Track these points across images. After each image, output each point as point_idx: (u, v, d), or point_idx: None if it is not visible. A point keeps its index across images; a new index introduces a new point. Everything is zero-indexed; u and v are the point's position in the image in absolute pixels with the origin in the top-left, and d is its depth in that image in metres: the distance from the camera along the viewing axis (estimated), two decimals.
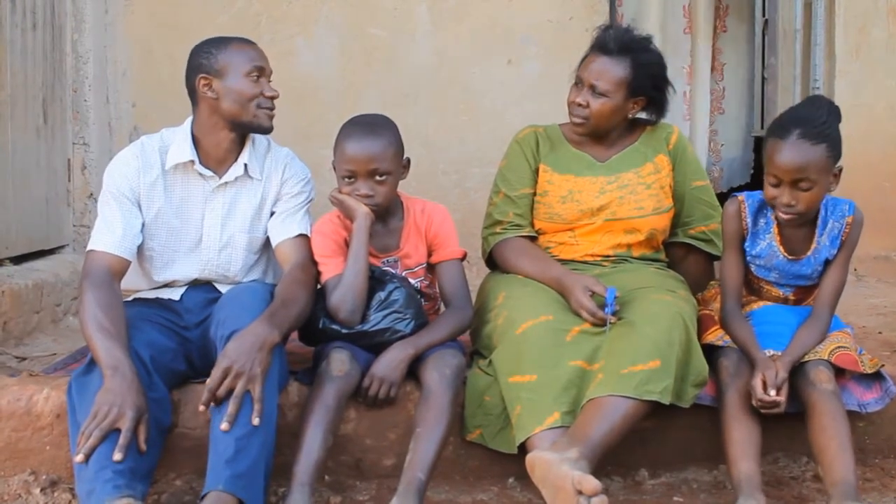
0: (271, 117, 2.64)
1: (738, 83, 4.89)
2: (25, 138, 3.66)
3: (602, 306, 2.57)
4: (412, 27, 4.50)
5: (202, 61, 2.60)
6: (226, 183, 2.65)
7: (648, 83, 2.82)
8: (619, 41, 2.79)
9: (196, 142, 2.64)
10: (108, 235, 2.55)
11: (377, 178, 2.60)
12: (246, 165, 2.65)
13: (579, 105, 2.80)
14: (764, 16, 4.93)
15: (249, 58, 2.61)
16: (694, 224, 2.95)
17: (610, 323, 2.54)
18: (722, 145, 4.91)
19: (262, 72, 2.62)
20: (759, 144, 5.01)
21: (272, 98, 2.62)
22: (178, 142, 2.64)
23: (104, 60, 4.30)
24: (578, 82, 2.82)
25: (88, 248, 2.57)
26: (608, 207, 2.84)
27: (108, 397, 2.24)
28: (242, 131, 2.64)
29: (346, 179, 2.62)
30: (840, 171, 2.53)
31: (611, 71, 2.77)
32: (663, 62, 2.89)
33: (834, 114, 2.54)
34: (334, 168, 2.68)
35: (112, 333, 2.36)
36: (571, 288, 2.62)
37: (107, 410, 2.22)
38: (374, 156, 2.59)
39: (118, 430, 2.21)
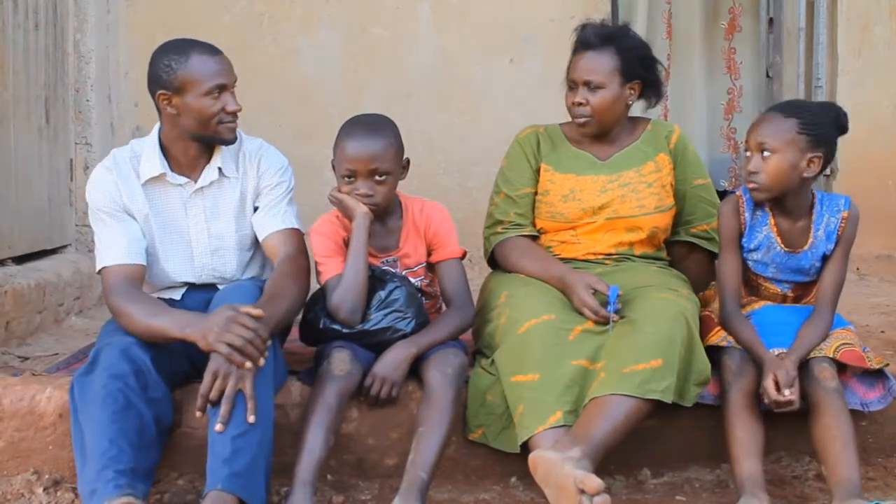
0: (233, 129, 2.59)
1: (755, 81, 4.92)
2: (28, 138, 3.67)
3: (605, 304, 2.57)
4: (414, 26, 4.51)
5: (161, 75, 2.52)
6: (202, 187, 2.63)
7: (638, 65, 2.83)
8: (598, 34, 2.80)
9: (165, 150, 2.62)
10: (114, 249, 2.53)
11: (377, 178, 2.59)
12: (220, 169, 2.63)
13: (580, 105, 2.80)
14: (769, 14, 4.93)
15: (210, 74, 2.50)
16: (696, 222, 2.95)
17: (612, 321, 2.54)
18: (741, 143, 4.93)
19: (223, 88, 2.52)
20: None
21: (234, 112, 2.55)
22: (147, 154, 2.61)
23: (106, 60, 4.31)
24: (572, 85, 2.82)
25: (98, 267, 2.55)
26: (610, 206, 2.84)
27: (211, 333, 2.29)
28: (205, 142, 2.61)
29: (346, 178, 2.61)
30: (818, 158, 2.55)
31: (600, 63, 2.78)
32: (646, 43, 2.92)
33: (829, 113, 2.59)
34: (333, 167, 2.68)
35: (160, 309, 2.42)
36: (574, 286, 2.62)
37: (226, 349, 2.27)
38: (374, 155, 2.58)
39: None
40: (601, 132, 2.87)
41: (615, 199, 2.84)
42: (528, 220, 2.90)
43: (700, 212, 2.95)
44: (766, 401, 2.44)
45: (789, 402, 2.43)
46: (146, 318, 2.39)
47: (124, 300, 2.44)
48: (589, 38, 2.80)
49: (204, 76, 2.51)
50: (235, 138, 2.62)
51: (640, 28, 4.60)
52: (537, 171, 2.91)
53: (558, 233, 2.88)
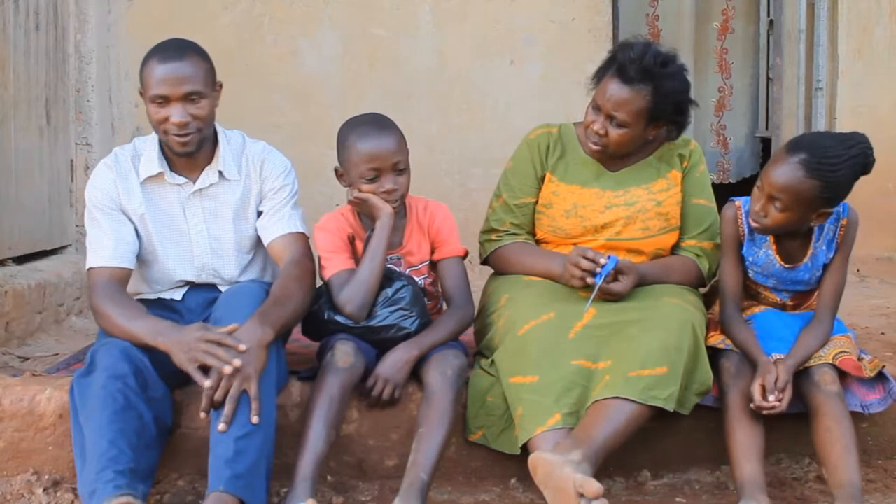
0: (183, 143, 2.52)
1: (746, 81, 5.01)
2: (28, 139, 3.67)
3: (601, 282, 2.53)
4: (414, 27, 4.51)
5: (139, 73, 2.55)
6: (200, 189, 2.63)
7: (670, 109, 2.70)
8: (639, 68, 2.63)
9: (166, 150, 2.61)
10: (102, 250, 2.54)
11: (398, 170, 2.61)
12: (221, 172, 2.62)
13: (598, 133, 2.71)
14: (769, 16, 4.99)
15: (154, 81, 2.47)
16: (685, 237, 2.82)
17: (594, 293, 2.51)
18: (730, 139, 5.11)
19: (166, 100, 2.46)
20: (766, 145, 5.04)
21: (178, 125, 2.47)
22: (147, 153, 2.61)
23: (107, 61, 4.31)
24: (596, 107, 2.71)
25: (87, 266, 2.56)
26: (612, 226, 2.77)
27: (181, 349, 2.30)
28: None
29: (369, 179, 2.60)
30: (829, 214, 2.50)
31: (631, 102, 2.64)
32: (687, 84, 2.73)
33: (856, 167, 2.42)
34: (338, 174, 2.67)
35: (137, 314, 2.42)
36: (568, 255, 2.60)
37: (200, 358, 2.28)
38: (394, 150, 2.60)
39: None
40: (612, 159, 2.80)
41: (619, 220, 2.76)
42: (525, 229, 2.85)
43: (690, 227, 2.81)
44: (752, 405, 2.44)
45: (772, 408, 2.42)
46: (123, 321, 2.41)
47: (105, 302, 2.46)
48: (627, 70, 2.63)
49: (150, 83, 2.50)
50: (188, 151, 2.55)
51: (622, 30, 4.62)
52: (542, 179, 2.84)
53: (559, 246, 2.83)
